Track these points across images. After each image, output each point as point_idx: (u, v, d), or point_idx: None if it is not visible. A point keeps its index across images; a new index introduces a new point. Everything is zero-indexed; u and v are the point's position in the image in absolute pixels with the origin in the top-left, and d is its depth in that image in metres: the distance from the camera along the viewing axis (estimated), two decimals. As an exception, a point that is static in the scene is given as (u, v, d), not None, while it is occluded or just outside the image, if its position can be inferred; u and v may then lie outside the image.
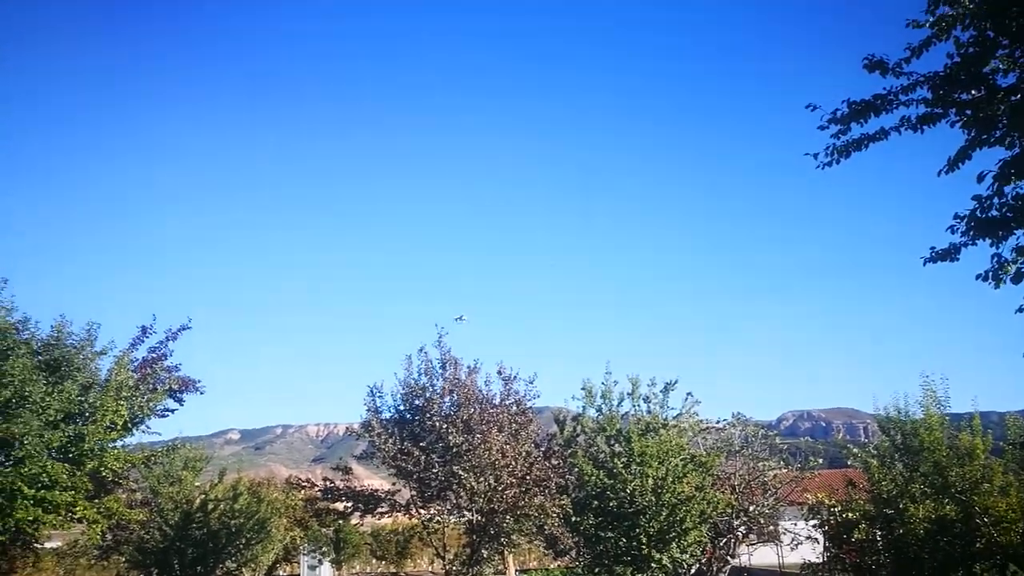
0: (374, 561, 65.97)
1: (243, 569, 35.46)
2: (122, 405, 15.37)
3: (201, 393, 18.39)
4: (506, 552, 48.90)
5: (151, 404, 16.80)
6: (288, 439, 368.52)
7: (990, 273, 7.18)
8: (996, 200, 6.96)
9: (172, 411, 18.23)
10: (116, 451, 15.44)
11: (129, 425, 16.11)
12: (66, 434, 14.37)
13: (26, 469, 13.41)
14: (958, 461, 13.17)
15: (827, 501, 18.55)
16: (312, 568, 63.41)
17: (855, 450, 16.34)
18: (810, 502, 21.01)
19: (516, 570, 51.81)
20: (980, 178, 7.03)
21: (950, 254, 7.98)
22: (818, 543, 22.68)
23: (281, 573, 69.09)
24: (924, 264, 8.15)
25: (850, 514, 14.35)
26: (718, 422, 28.18)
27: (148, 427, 17.36)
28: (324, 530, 55.92)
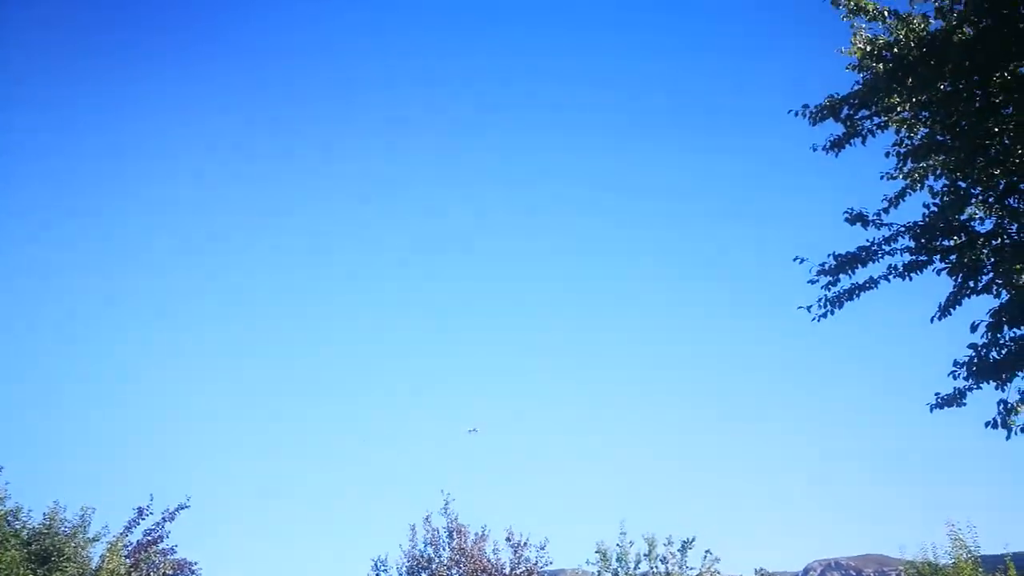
0: None
1: None
2: (112, 595, 14.68)
3: (197, 576, 17.58)
4: None
5: (142, 592, 16.03)
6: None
7: (998, 419, 7.04)
8: (992, 348, 6.94)
9: (167, 595, 17.32)
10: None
11: (120, 614, 15.30)
12: (53, 631, 13.63)
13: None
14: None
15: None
16: None
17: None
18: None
19: None
20: (974, 328, 7.05)
21: (956, 399, 7.89)
22: None
23: None
24: (931, 411, 8.05)
25: None
26: (740, 579, 26.82)
27: (141, 615, 16.45)
28: None
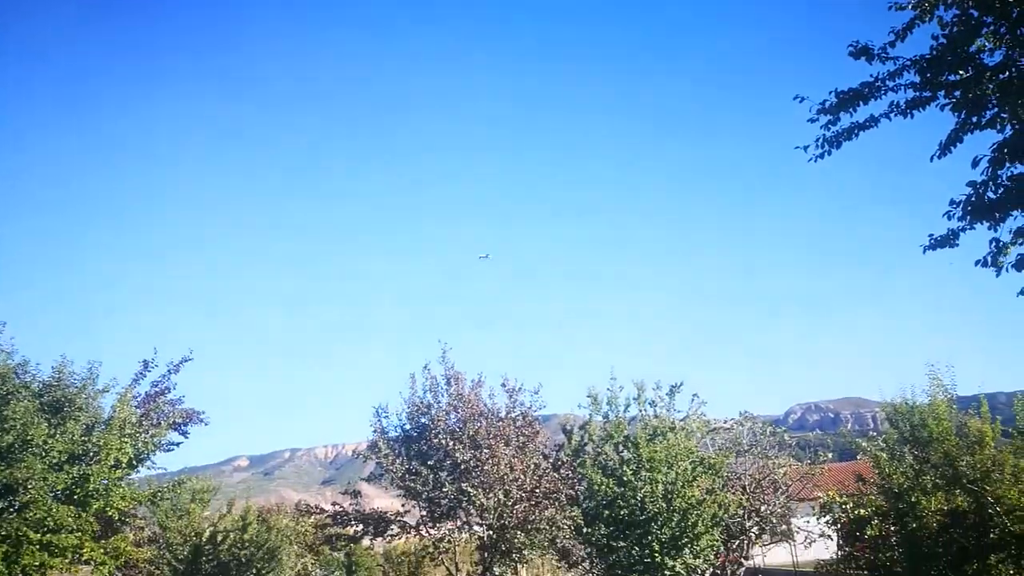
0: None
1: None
2: (126, 442, 15.24)
3: (206, 424, 18.27)
4: (519, 566, 48.58)
5: (155, 439, 16.67)
6: (297, 463, 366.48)
7: (989, 258, 7.09)
8: (990, 185, 6.88)
9: (177, 444, 18.07)
10: (122, 489, 15.27)
11: (134, 462, 15.96)
12: (71, 476, 14.24)
13: (31, 514, 13.27)
14: (968, 449, 13.04)
15: (838, 498, 18.39)
16: (324, 593, 63.05)
17: (864, 444, 16.19)
18: (822, 499, 20.86)
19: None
20: (975, 163, 6.96)
21: (949, 240, 7.90)
22: (831, 540, 22.50)
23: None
24: (924, 252, 8.08)
25: (862, 510, 14.16)
26: (725, 422, 28.07)
27: (153, 463, 17.23)
28: (335, 554, 55.73)
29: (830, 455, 26.71)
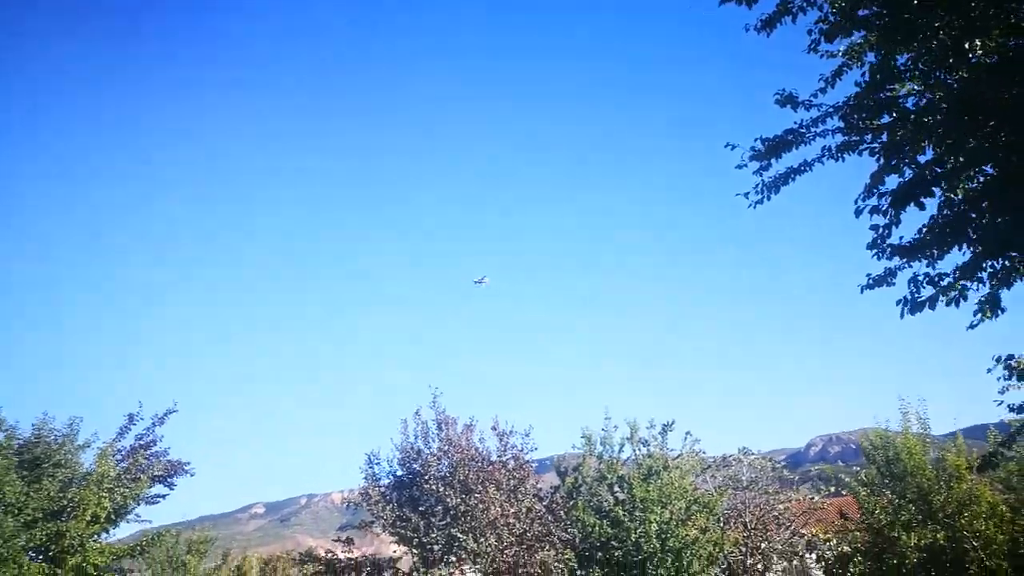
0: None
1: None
2: (104, 497, 15.28)
3: (191, 475, 18.27)
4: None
5: (135, 493, 16.69)
6: (313, 509, 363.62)
7: (907, 298, 7.08)
8: (894, 226, 6.91)
9: (163, 497, 18.09)
10: (99, 545, 15.28)
11: (113, 516, 15.99)
12: (45, 532, 14.27)
13: (3, 572, 13.28)
14: (945, 484, 12.85)
15: (822, 535, 18.09)
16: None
17: (846, 479, 15.97)
18: (808, 537, 20.55)
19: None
20: (875, 210, 7.00)
21: (886, 279, 7.92)
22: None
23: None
24: (862, 291, 8.09)
25: (846, 547, 13.93)
26: (724, 457, 27.75)
27: (138, 515, 17.23)
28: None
29: (832, 488, 26.25)
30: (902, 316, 6.84)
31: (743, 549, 25.90)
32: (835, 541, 14.54)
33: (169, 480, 18.06)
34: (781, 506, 26.51)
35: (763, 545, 25.92)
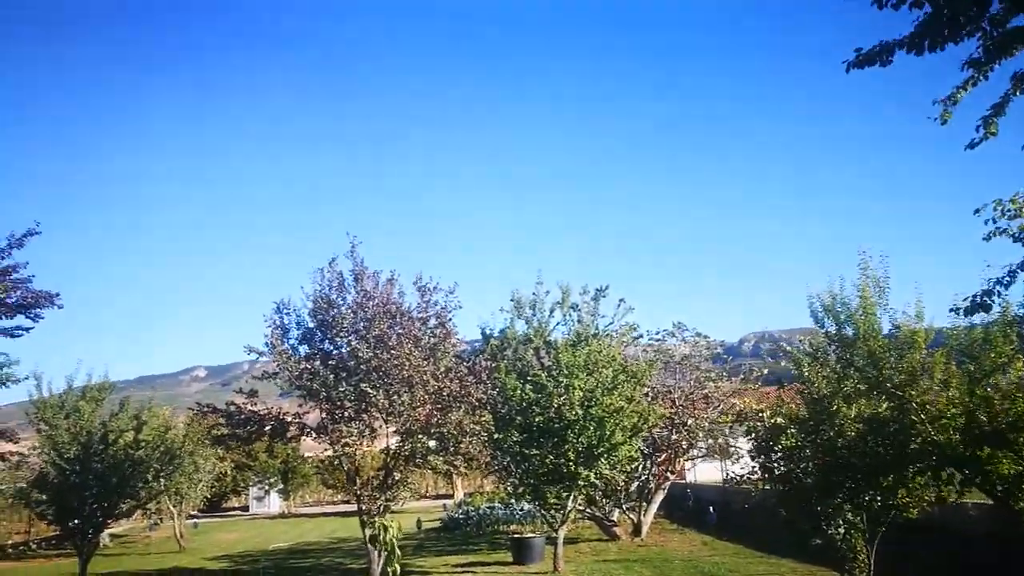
0: (324, 490, 65.23)
1: (169, 503, 33.92)
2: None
3: (59, 308, 16.04)
4: (454, 476, 47.91)
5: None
6: (255, 373, 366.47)
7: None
8: None
9: (27, 330, 15.97)
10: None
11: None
12: None
13: None
14: (896, 351, 11.58)
15: (755, 406, 17.13)
16: (259, 499, 62.58)
17: (788, 348, 14.73)
18: (740, 407, 19.72)
19: (464, 493, 51.17)
20: None
21: (880, 56, 6.14)
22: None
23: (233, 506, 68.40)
24: (848, 70, 6.29)
25: (779, 419, 12.78)
26: (657, 333, 26.74)
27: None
28: (271, 461, 54.75)
29: (765, 372, 25.49)
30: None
31: (668, 425, 25.24)
32: (768, 414, 13.36)
33: (33, 312, 15.83)
34: (712, 383, 25.77)
35: (690, 421, 25.28)
